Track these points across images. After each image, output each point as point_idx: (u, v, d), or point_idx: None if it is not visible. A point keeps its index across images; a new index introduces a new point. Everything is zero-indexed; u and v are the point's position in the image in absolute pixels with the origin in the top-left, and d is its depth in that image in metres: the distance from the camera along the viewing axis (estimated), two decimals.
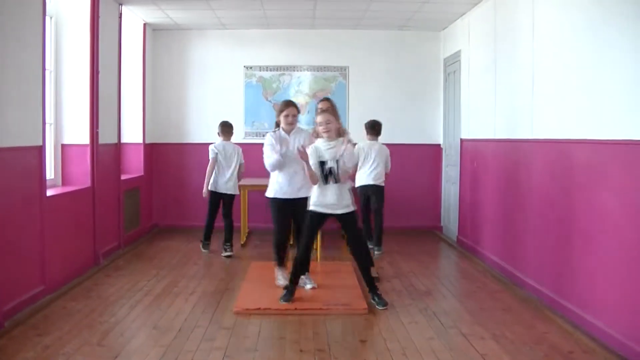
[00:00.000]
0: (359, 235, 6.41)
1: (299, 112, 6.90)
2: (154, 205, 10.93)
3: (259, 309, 6.02)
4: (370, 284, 6.28)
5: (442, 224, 10.82)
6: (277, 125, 6.86)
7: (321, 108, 6.94)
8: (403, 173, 10.88)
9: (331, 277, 7.27)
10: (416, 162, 10.95)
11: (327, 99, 7.42)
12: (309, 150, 6.19)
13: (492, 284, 7.17)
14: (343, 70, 10.87)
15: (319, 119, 6.26)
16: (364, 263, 6.31)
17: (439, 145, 10.91)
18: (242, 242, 9.48)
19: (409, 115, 10.91)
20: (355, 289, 6.74)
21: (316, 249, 8.20)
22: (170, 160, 10.97)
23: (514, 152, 7.33)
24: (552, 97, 6.29)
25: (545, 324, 5.64)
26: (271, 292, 6.59)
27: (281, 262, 6.90)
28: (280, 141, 6.66)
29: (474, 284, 7.21)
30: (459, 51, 9.71)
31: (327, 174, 6.17)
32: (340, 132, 6.36)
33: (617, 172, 5.05)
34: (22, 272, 5.94)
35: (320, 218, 6.30)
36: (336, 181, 6.18)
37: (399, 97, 10.89)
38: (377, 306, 6.11)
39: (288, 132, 6.76)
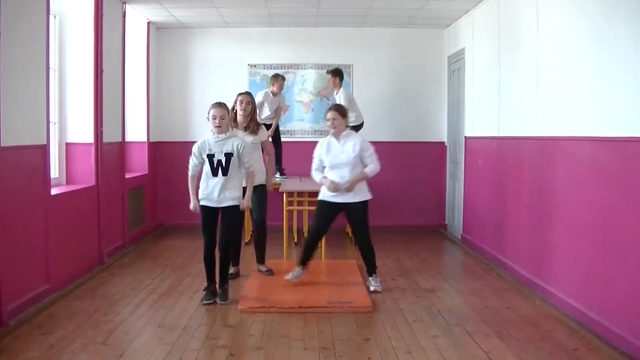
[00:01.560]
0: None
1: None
2: (159, 204, 10.93)
3: (264, 307, 6.02)
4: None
5: (446, 222, 10.81)
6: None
7: (241, 100, 7.19)
8: (407, 171, 10.89)
9: (335, 275, 7.27)
10: (420, 160, 10.93)
11: (247, 93, 7.41)
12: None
13: (496, 282, 7.16)
14: (347, 68, 10.84)
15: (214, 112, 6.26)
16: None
17: (443, 143, 10.90)
18: (247, 240, 9.48)
19: (413, 113, 10.89)
20: (359, 286, 6.75)
21: (321, 247, 8.20)
22: (174, 158, 10.95)
23: (518, 149, 7.31)
24: (556, 94, 6.27)
25: (550, 322, 5.64)
26: (275, 290, 6.60)
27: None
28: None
29: (478, 282, 7.20)
30: (463, 49, 9.69)
31: (216, 167, 6.20)
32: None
33: (621, 169, 5.03)
34: (26, 271, 5.95)
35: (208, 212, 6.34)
36: (224, 174, 6.19)
37: (403, 94, 10.88)
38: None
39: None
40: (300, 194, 9.02)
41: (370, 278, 6.78)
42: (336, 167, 6.59)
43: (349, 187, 6.54)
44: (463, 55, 9.69)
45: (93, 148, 7.78)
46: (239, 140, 6.31)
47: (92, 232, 7.70)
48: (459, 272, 7.97)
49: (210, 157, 6.19)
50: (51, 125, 6.86)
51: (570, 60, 5.95)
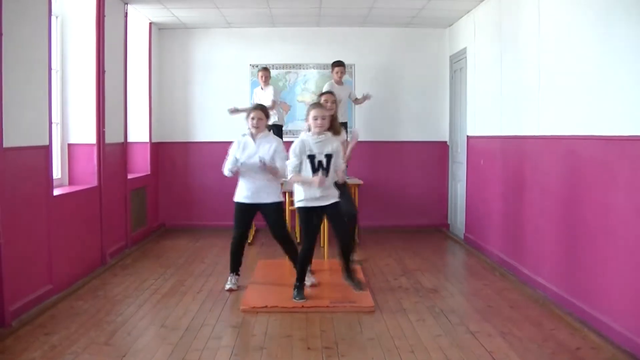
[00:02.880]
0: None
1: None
2: (161, 204, 10.94)
3: (266, 307, 6.02)
4: (348, 266, 6.36)
5: (449, 222, 10.80)
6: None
7: (325, 100, 7.07)
8: (409, 170, 10.89)
9: (338, 275, 7.23)
10: (422, 159, 10.93)
11: (330, 93, 7.39)
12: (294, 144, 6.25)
13: (499, 281, 7.16)
14: (349, 68, 10.83)
15: (316, 112, 6.21)
16: (347, 250, 6.38)
17: (445, 142, 10.89)
18: (249, 241, 9.48)
19: (415, 112, 10.89)
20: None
21: (322, 247, 8.21)
22: (176, 159, 10.98)
23: (520, 148, 7.30)
24: (558, 93, 6.27)
25: (553, 321, 5.63)
26: (278, 290, 6.60)
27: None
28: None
29: (481, 281, 7.19)
30: (465, 48, 9.69)
31: (317, 168, 6.16)
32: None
33: (624, 169, 5.03)
34: (29, 272, 5.95)
35: (315, 213, 6.26)
36: (326, 175, 6.16)
37: (405, 94, 10.88)
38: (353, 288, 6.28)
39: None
40: None
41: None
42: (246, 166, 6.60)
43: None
44: (465, 55, 9.69)
45: (95, 149, 7.79)
46: (337, 142, 6.35)
47: (94, 232, 7.70)
48: (461, 272, 7.97)
49: (312, 157, 6.16)
50: (53, 126, 6.86)
51: (573, 58, 5.94)
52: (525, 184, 7.10)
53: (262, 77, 9.76)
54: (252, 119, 6.66)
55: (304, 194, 6.19)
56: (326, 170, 6.16)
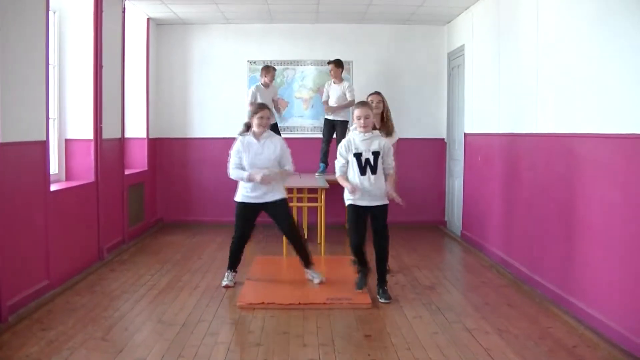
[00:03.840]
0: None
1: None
2: (158, 200, 10.94)
3: (263, 303, 6.02)
4: (382, 277, 6.33)
5: (446, 219, 10.81)
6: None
7: (371, 100, 7.05)
8: (407, 168, 10.84)
9: (335, 272, 7.26)
10: (420, 156, 10.93)
11: (377, 93, 7.36)
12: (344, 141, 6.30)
13: (496, 278, 7.16)
14: (347, 65, 10.82)
15: (359, 112, 6.19)
16: (382, 254, 6.32)
17: (443, 139, 10.90)
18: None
19: (412, 109, 10.88)
20: None
21: (319, 243, 8.21)
22: (174, 155, 10.97)
23: (518, 146, 7.31)
24: (556, 91, 6.27)
25: (549, 319, 5.64)
26: (275, 287, 6.61)
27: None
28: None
29: (478, 278, 7.20)
30: (463, 45, 9.69)
31: (364, 166, 6.15)
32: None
33: (621, 167, 5.03)
34: (26, 267, 5.95)
35: (362, 210, 6.24)
36: (373, 172, 6.15)
37: (403, 91, 10.86)
38: (380, 299, 6.14)
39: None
40: (300, 190, 9.01)
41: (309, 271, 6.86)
42: (255, 167, 6.56)
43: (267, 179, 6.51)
44: (463, 52, 9.69)
45: (92, 144, 7.78)
46: (385, 141, 6.32)
47: (91, 228, 7.70)
48: (458, 269, 7.98)
49: (358, 155, 6.14)
50: (51, 121, 6.85)
51: (571, 56, 5.94)
52: (523, 181, 7.11)
53: (266, 75, 9.68)
54: (261, 118, 6.60)
55: (356, 193, 6.17)
56: (374, 168, 6.14)
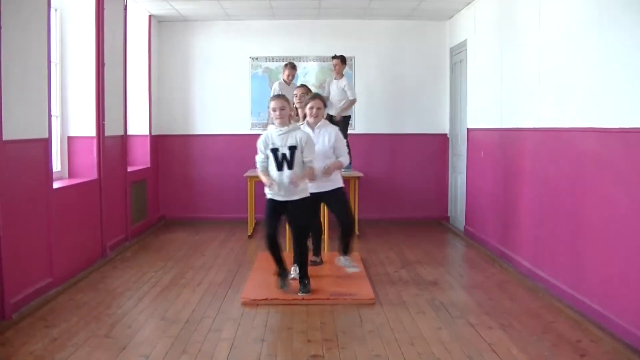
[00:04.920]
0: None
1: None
2: (161, 197, 10.94)
3: (266, 299, 6.02)
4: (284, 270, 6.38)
5: (449, 214, 10.81)
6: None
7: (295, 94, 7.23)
8: (409, 163, 10.89)
9: (338, 268, 7.25)
10: (423, 152, 10.93)
11: (303, 85, 7.46)
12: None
13: (499, 273, 7.16)
14: (349, 61, 10.81)
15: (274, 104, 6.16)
16: (296, 249, 6.38)
17: (446, 135, 10.88)
18: (249, 234, 9.49)
19: (415, 105, 10.88)
20: (362, 279, 6.74)
21: (323, 239, 8.20)
22: (176, 152, 10.98)
23: (520, 141, 7.30)
24: (558, 86, 6.26)
25: (553, 314, 5.63)
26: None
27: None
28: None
29: (481, 274, 7.19)
30: (465, 40, 9.67)
31: (281, 161, 6.11)
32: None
33: (624, 161, 5.02)
34: (29, 265, 5.95)
35: (278, 205, 6.22)
36: (289, 167, 6.10)
37: (405, 86, 10.87)
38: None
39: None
40: None
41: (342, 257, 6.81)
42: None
43: (327, 172, 6.47)
44: (465, 47, 9.67)
45: (95, 141, 7.78)
46: (302, 133, 6.22)
47: (94, 225, 7.70)
48: (461, 264, 7.97)
49: (275, 151, 6.10)
50: (53, 118, 6.86)
51: (572, 51, 5.93)
52: (525, 176, 7.10)
53: (289, 75, 9.67)
54: (312, 108, 6.61)
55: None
56: (290, 163, 6.08)
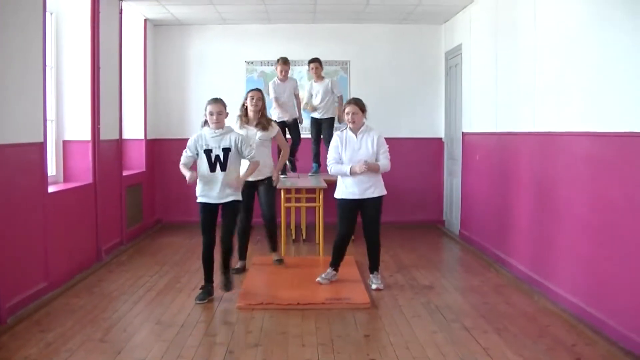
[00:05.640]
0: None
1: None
2: (157, 201, 10.93)
3: (262, 303, 6.02)
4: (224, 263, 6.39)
5: (444, 218, 10.82)
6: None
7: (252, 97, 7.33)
8: (405, 167, 10.87)
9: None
10: (418, 156, 10.94)
11: (258, 90, 7.56)
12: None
13: (494, 277, 7.17)
14: (344, 65, 10.85)
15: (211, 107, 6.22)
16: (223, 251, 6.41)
17: (441, 139, 10.90)
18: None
19: (410, 109, 10.90)
20: (357, 283, 6.74)
21: (318, 244, 8.20)
22: (172, 155, 10.85)
23: (515, 145, 7.31)
24: (553, 90, 6.27)
25: (548, 317, 5.64)
26: (274, 287, 6.60)
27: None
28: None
29: (476, 277, 7.20)
30: (460, 44, 9.69)
31: (214, 162, 6.17)
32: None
33: (619, 165, 5.04)
34: (24, 269, 5.94)
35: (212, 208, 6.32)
36: (223, 169, 6.16)
37: (401, 90, 10.88)
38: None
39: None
40: (298, 190, 9.00)
41: (371, 275, 6.77)
42: (354, 163, 6.52)
43: (370, 167, 6.46)
44: (460, 51, 9.69)
45: (90, 145, 7.77)
46: (236, 134, 6.30)
47: (90, 229, 7.69)
48: (456, 268, 7.98)
49: (208, 152, 6.16)
50: (48, 122, 6.85)
51: (568, 55, 5.94)
52: (521, 180, 7.11)
53: (281, 70, 9.13)
54: (348, 114, 6.60)
55: (200, 190, 6.29)
56: (223, 165, 6.14)
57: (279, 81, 9.16)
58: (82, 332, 5.24)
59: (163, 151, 10.91)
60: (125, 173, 9.21)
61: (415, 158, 10.92)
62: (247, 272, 7.31)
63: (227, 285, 6.29)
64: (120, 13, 8.86)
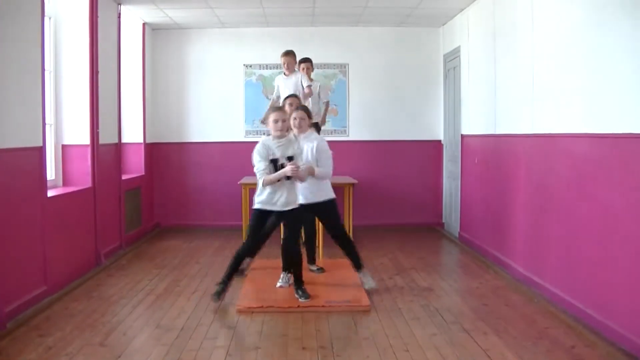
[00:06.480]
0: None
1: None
2: (156, 205, 10.93)
3: (262, 307, 6.02)
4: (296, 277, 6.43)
5: (443, 220, 10.82)
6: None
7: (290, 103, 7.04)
8: (404, 170, 10.90)
9: (333, 275, 7.26)
10: (417, 158, 10.94)
11: (294, 96, 7.29)
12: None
13: (494, 279, 7.17)
14: (343, 68, 10.86)
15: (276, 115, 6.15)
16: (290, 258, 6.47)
17: (440, 141, 10.91)
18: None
19: (409, 111, 10.90)
20: (357, 286, 6.73)
21: (318, 247, 8.20)
22: (171, 159, 10.97)
23: (514, 147, 7.32)
24: (552, 91, 6.28)
25: (547, 319, 5.64)
26: (274, 290, 6.60)
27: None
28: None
29: (476, 279, 7.20)
30: (459, 47, 9.70)
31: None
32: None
33: (618, 166, 5.04)
34: (23, 273, 5.94)
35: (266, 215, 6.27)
36: (287, 178, 6.12)
37: (399, 93, 10.89)
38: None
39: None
40: None
41: (359, 275, 6.79)
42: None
43: (307, 172, 6.35)
44: (459, 54, 9.70)
45: (89, 149, 7.77)
46: (298, 144, 6.32)
47: (89, 233, 7.69)
48: (456, 270, 7.98)
49: (274, 162, 6.10)
50: (47, 127, 6.85)
51: (566, 56, 5.95)
52: (520, 182, 7.11)
53: (284, 62, 8.39)
54: (295, 119, 6.59)
55: (264, 197, 6.16)
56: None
57: (284, 76, 8.43)
58: (82, 336, 5.23)
59: (162, 155, 10.92)
60: (124, 177, 9.21)
61: (414, 160, 10.92)
62: (247, 276, 7.30)
63: (305, 294, 6.28)
64: (119, 17, 8.87)
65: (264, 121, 6.82)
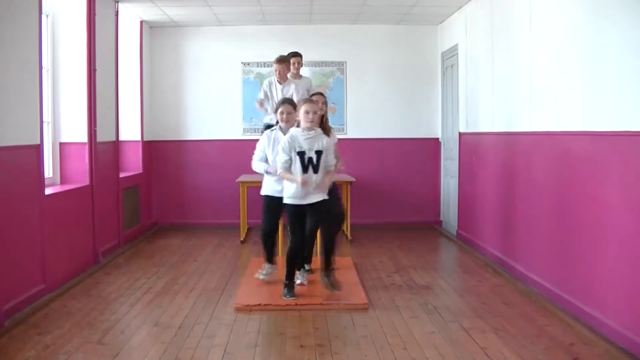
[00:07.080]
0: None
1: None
2: (154, 203, 10.92)
3: (260, 305, 6.02)
4: (326, 265, 6.45)
5: (441, 219, 10.82)
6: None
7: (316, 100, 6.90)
8: (402, 168, 10.90)
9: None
10: (415, 156, 10.94)
11: (321, 94, 7.19)
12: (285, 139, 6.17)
13: (492, 277, 7.17)
14: (341, 66, 10.85)
15: (308, 107, 6.12)
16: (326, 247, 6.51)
17: (438, 139, 10.91)
18: (242, 239, 9.48)
19: (407, 109, 10.90)
20: (355, 284, 6.74)
21: (316, 244, 8.19)
22: (169, 157, 10.96)
23: (512, 145, 7.32)
24: (550, 89, 6.28)
25: (546, 317, 5.64)
26: (271, 288, 6.59)
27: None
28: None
29: (474, 278, 7.20)
30: (456, 45, 9.70)
31: (307, 165, 6.10)
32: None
33: (616, 164, 5.04)
34: (21, 271, 5.93)
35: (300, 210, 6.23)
36: (315, 171, 6.11)
37: (397, 91, 10.89)
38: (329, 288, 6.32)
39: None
40: None
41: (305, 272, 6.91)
42: None
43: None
44: (456, 52, 9.70)
45: (87, 147, 7.76)
46: (327, 139, 6.26)
47: (87, 231, 7.68)
48: (454, 269, 7.98)
49: (302, 154, 6.07)
50: (45, 125, 6.83)
51: (564, 54, 5.95)
52: (518, 180, 7.11)
53: (276, 70, 8.07)
54: (282, 113, 6.58)
55: (293, 191, 6.14)
56: (316, 167, 6.10)
57: (277, 82, 8.14)
58: (80, 334, 5.23)
59: (160, 153, 10.91)
60: (122, 175, 9.19)
61: (412, 159, 10.93)
62: (245, 274, 7.29)
63: (335, 285, 6.35)
64: (116, 15, 8.85)
65: (275, 111, 6.76)
